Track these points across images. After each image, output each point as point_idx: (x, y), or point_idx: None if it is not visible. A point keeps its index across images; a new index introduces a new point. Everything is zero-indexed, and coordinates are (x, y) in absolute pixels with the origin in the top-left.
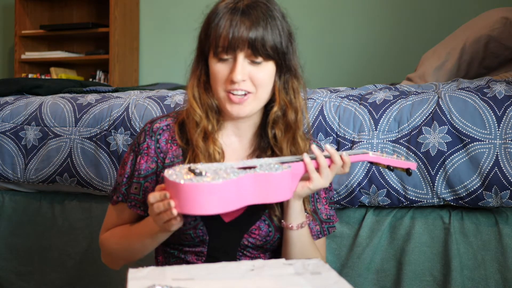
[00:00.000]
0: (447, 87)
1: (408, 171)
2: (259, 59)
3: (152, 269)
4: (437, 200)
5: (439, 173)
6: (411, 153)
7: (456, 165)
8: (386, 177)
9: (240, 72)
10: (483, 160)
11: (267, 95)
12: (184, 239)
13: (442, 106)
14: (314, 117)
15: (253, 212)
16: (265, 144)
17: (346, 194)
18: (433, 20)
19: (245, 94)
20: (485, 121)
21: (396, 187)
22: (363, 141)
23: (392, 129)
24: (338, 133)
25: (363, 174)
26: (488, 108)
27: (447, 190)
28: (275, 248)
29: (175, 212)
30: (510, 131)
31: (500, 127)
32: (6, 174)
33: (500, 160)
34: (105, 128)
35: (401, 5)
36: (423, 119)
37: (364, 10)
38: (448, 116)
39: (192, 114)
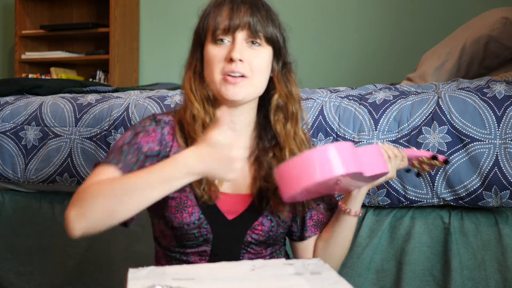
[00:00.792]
0: (447, 87)
1: (446, 162)
2: (259, 40)
3: (152, 269)
4: (437, 200)
5: (439, 173)
6: None
7: (456, 165)
8: None
9: (239, 51)
10: (483, 160)
11: (263, 82)
12: (188, 239)
13: (442, 106)
14: (314, 117)
15: (255, 209)
16: (266, 144)
17: None
18: (433, 20)
19: (241, 76)
20: (485, 121)
21: (396, 187)
22: (363, 141)
23: (392, 129)
24: (338, 133)
25: None
26: (488, 108)
27: (447, 190)
28: (276, 243)
29: None
30: (510, 131)
31: (500, 127)
32: (6, 174)
33: (500, 160)
34: (105, 128)
35: (401, 5)
36: (423, 119)
37: (364, 10)
38: (448, 116)
39: (190, 108)
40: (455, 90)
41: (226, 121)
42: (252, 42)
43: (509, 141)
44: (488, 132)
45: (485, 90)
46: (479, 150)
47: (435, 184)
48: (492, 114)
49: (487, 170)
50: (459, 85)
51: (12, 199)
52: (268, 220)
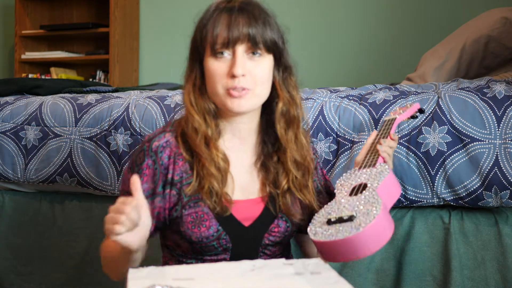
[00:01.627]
0: (447, 87)
1: (420, 110)
2: (259, 51)
3: (152, 269)
4: (437, 200)
5: (439, 173)
6: (411, 153)
7: (456, 165)
8: None
9: (241, 66)
10: (483, 160)
11: (266, 90)
12: (207, 251)
13: (442, 106)
14: (314, 117)
15: (269, 212)
16: (269, 149)
17: None
18: (433, 20)
19: (243, 89)
20: (485, 121)
21: None
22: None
23: None
24: (338, 133)
25: None
26: (488, 108)
27: (447, 190)
28: (288, 241)
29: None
30: (510, 131)
31: (500, 127)
32: (6, 174)
33: (500, 160)
34: (105, 128)
35: (401, 5)
36: (423, 119)
37: (364, 10)
38: (448, 116)
39: (191, 121)
40: (455, 90)
41: (231, 131)
42: (253, 53)
43: (509, 141)
44: (488, 132)
45: (485, 90)
46: (479, 150)
47: (435, 184)
48: (492, 114)
49: (487, 170)
50: (459, 85)
51: (12, 199)
52: (284, 221)
